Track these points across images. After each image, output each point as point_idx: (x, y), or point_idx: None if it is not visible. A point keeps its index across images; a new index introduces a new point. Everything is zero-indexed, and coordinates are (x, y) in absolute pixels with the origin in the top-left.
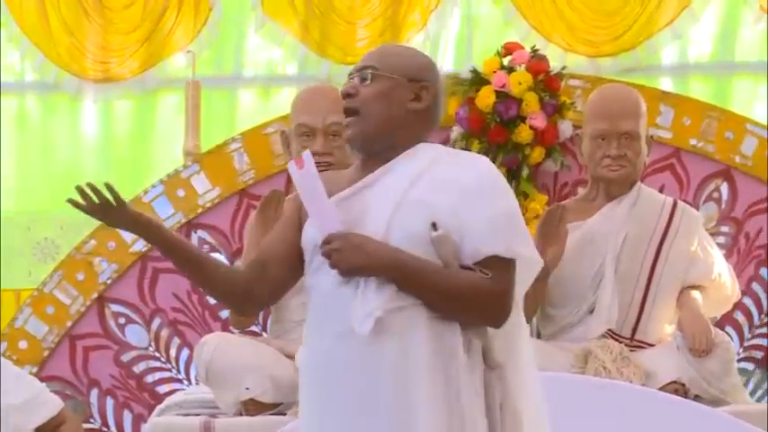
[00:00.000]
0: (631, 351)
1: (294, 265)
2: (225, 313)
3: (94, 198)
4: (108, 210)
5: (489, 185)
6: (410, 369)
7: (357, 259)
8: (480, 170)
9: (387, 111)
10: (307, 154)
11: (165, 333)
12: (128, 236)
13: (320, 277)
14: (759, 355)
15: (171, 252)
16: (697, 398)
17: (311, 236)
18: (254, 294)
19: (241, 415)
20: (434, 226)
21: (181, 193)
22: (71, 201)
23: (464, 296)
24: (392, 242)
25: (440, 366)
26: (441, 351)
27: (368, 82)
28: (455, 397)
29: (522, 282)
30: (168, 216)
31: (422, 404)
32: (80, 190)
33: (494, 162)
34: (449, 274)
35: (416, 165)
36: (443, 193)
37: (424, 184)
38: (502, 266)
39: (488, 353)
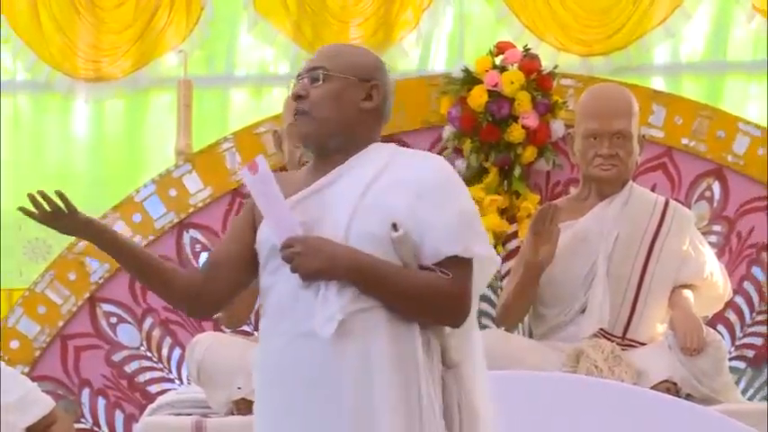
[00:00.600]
0: (623, 350)
1: (248, 266)
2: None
3: (45, 206)
4: (59, 217)
5: (446, 185)
6: (372, 371)
7: (319, 263)
8: (436, 170)
9: (338, 111)
10: (260, 158)
11: (156, 333)
12: None
13: (278, 278)
14: (751, 353)
15: (123, 258)
16: (689, 397)
17: (266, 237)
18: (206, 296)
19: (233, 414)
20: (395, 227)
21: (173, 192)
22: (22, 209)
23: (424, 297)
24: (351, 244)
25: (400, 367)
26: (401, 352)
27: (319, 82)
28: (415, 398)
29: (480, 280)
30: (160, 216)
31: (383, 406)
32: (31, 198)
33: (486, 161)
34: (409, 275)
35: (372, 166)
36: (401, 194)
37: (380, 185)
38: (460, 266)
39: (446, 352)
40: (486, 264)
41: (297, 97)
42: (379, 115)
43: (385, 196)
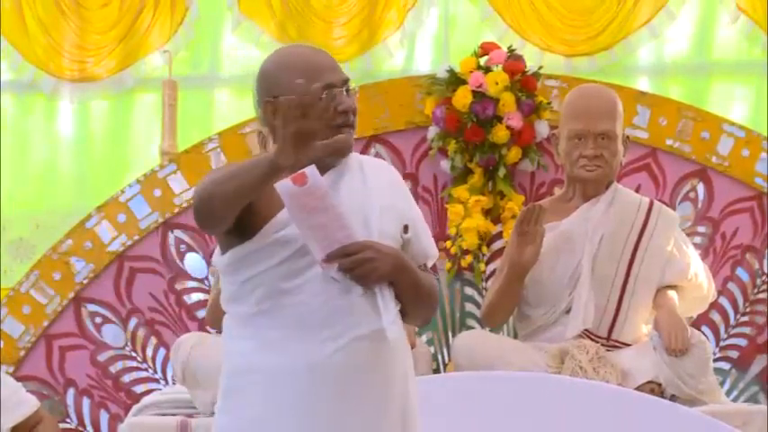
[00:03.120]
0: (608, 351)
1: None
2: (201, 313)
3: None
4: None
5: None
6: (408, 365)
7: (389, 267)
8: (396, 172)
9: None
10: (311, 169)
11: (141, 333)
12: (104, 236)
13: (303, 282)
14: (735, 354)
15: None
16: (673, 398)
17: (291, 238)
18: None
19: None
20: (406, 228)
21: (157, 192)
22: None
23: (432, 296)
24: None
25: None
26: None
27: (352, 95)
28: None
29: None
30: (145, 216)
31: (414, 399)
32: None
33: (471, 162)
34: (425, 276)
35: (363, 170)
36: (397, 196)
37: (381, 189)
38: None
39: None
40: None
41: (354, 111)
42: None
43: (391, 198)
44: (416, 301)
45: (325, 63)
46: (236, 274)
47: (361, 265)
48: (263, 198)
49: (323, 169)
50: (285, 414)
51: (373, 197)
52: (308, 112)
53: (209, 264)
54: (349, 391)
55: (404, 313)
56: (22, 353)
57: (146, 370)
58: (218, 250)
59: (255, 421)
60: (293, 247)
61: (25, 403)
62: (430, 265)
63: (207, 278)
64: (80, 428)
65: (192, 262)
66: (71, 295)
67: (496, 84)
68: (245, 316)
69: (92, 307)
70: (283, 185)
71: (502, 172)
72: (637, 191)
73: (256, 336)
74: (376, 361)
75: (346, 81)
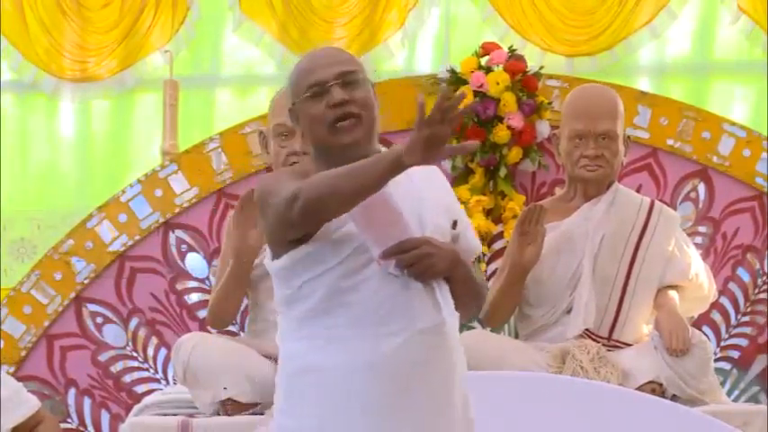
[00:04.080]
0: (609, 351)
1: None
2: (202, 313)
3: None
4: None
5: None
6: (463, 360)
7: (447, 262)
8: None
9: (375, 112)
10: None
11: (142, 333)
12: (105, 236)
13: (363, 278)
14: (736, 354)
15: None
16: (674, 398)
17: (352, 236)
18: None
19: (219, 415)
20: (455, 224)
21: (158, 192)
22: None
23: (482, 291)
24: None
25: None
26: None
27: (358, 86)
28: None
29: None
30: (146, 216)
31: (468, 394)
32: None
33: (471, 162)
34: (477, 272)
35: None
36: (442, 191)
37: (426, 183)
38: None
39: None
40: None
41: (344, 103)
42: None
43: (437, 193)
44: (469, 296)
45: (320, 62)
46: (294, 276)
47: (420, 261)
48: None
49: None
50: (346, 413)
51: (423, 193)
52: (444, 118)
53: (209, 264)
54: (410, 386)
55: (455, 308)
56: (23, 353)
57: (147, 370)
58: (269, 256)
59: (317, 422)
60: (353, 245)
61: (26, 403)
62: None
63: (208, 278)
64: (81, 428)
65: (193, 262)
66: (72, 295)
67: (497, 84)
68: (301, 317)
69: (93, 307)
70: None
71: (503, 172)
72: (638, 191)
73: (314, 336)
74: (435, 355)
75: (341, 75)
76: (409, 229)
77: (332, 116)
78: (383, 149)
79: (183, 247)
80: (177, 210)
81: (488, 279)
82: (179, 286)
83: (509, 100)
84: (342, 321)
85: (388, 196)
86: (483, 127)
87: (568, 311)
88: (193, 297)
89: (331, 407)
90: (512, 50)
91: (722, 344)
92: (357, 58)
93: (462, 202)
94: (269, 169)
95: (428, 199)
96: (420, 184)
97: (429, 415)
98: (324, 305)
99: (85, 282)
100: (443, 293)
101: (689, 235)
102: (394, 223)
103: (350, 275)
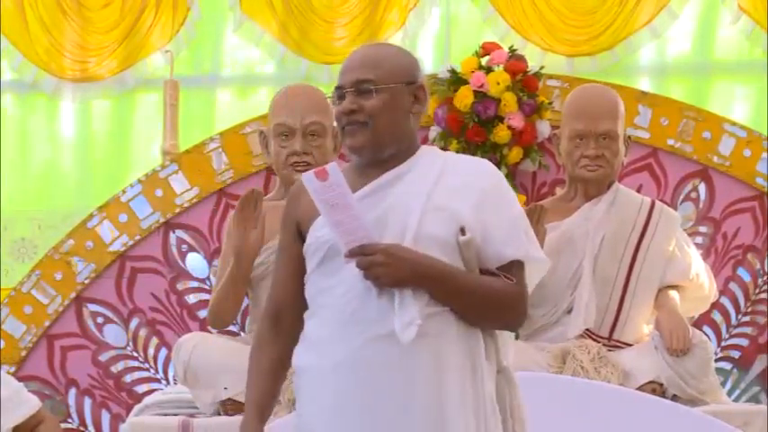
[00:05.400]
0: (609, 351)
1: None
2: (203, 313)
3: None
4: None
5: (502, 190)
6: (443, 370)
7: (403, 274)
8: (491, 174)
9: (394, 120)
10: (332, 166)
11: (143, 333)
12: (106, 236)
13: (337, 281)
14: (737, 354)
15: None
16: (675, 398)
17: (324, 238)
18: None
19: (219, 415)
20: (463, 231)
21: (159, 192)
22: None
23: (494, 302)
24: (419, 247)
25: (468, 367)
26: (468, 352)
27: (371, 95)
28: (482, 398)
29: (530, 283)
30: (146, 216)
31: (454, 404)
32: None
33: None
34: (481, 282)
35: (429, 170)
36: (463, 198)
37: (442, 189)
38: (520, 270)
39: (498, 356)
40: (540, 267)
41: (350, 112)
42: (423, 114)
43: (449, 200)
44: (470, 308)
45: (347, 64)
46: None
47: (372, 268)
48: (314, 206)
49: (389, 165)
50: (320, 413)
51: (422, 198)
52: None
53: (210, 264)
54: (370, 390)
55: (466, 319)
56: (24, 353)
57: (147, 370)
58: None
59: (302, 420)
60: (324, 248)
61: (26, 403)
62: (493, 266)
63: (208, 278)
64: (81, 428)
65: (194, 262)
66: (72, 295)
67: (498, 84)
68: (305, 318)
69: (93, 307)
70: (308, 178)
71: (503, 172)
72: (638, 191)
73: (304, 337)
74: (395, 361)
75: (356, 83)
76: (370, 233)
77: (343, 121)
78: (424, 149)
79: (184, 247)
80: (178, 210)
81: None
82: (179, 286)
83: (509, 100)
84: (319, 323)
85: (348, 197)
86: (483, 127)
87: (569, 311)
88: (194, 297)
89: (309, 407)
90: (512, 50)
91: (723, 344)
92: (396, 57)
93: None
94: (269, 169)
95: (424, 205)
96: (429, 189)
97: (388, 421)
98: (312, 306)
99: (86, 282)
100: (404, 302)
101: (689, 235)
102: (357, 226)
103: (328, 277)
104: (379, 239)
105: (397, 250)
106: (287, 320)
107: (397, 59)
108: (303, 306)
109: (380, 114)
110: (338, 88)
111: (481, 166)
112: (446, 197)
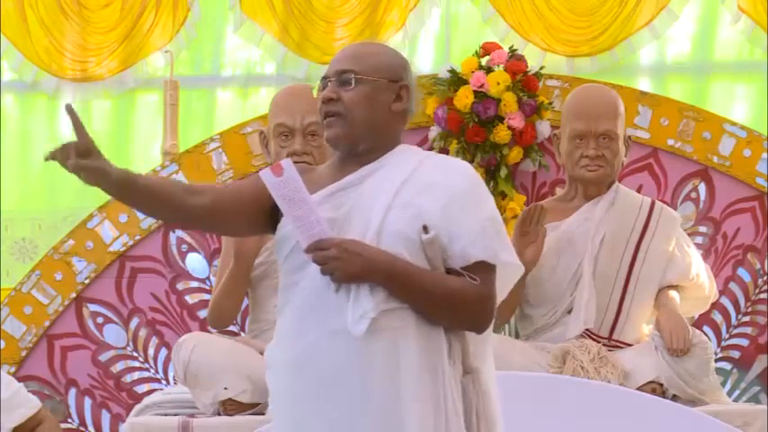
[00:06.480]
0: (609, 351)
1: (250, 214)
2: (203, 313)
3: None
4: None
5: (475, 191)
6: (400, 367)
7: (356, 269)
8: (465, 175)
9: (371, 114)
10: (286, 162)
11: (143, 333)
12: (106, 236)
13: (300, 276)
14: (737, 354)
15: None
16: (675, 398)
17: (288, 234)
18: (219, 219)
19: (219, 415)
20: (426, 229)
21: None
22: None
23: (454, 302)
24: (383, 242)
25: (427, 365)
26: (428, 351)
27: (350, 86)
28: (442, 397)
29: (503, 286)
30: (146, 216)
31: (411, 400)
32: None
33: (472, 162)
34: (440, 281)
35: (402, 167)
36: (432, 197)
37: (411, 187)
38: (487, 272)
39: (466, 357)
40: (511, 271)
41: (327, 100)
42: (407, 115)
43: (417, 198)
44: (428, 306)
45: (336, 56)
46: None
47: (326, 263)
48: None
49: (364, 161)
50: (279, 411)
51: (389, 195)
52: None
53: (210, 264)
54: (326, 383)
55: (425, 317)
56: (24, 353)
57: (147, 370)
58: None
59: (274, 415)
60: (289, 244)
61: (27, 404)
62: (458, 266)
63: (208, 278)
64: (81, 429)
65: (194, 262)
66: (72, 295)
67: (498, 84)
68: (276, 314)
69: (93, 307)
70: (265, 174)
71: (503, 172)
72: (638, 191)
73: (275, 332)
74: (351, 356)
75: (337, 73)
76: (325, 228)
77: (323, 111)
78: (401, 147)
79: (184, 247)
80: None
81: None
82: (179, 286)
83: (509, 100)
84: (286, 318)
85: (303, 193)
86: (483, 127)
87: (569, 311)
88: (194, 297)
89: (275, 402)
90: (512, 50)
91: (723, 344)
92: (383, 55)
93: None
94: None
95: (403, 204)
96: (397, 185)
97: (344, 414)
98: (281, 301)
99: (86, 282)
100: (358, 297)
101: (689, 235)
102: (314, 222)
103: (293, 272)
104: (336, 235)
105: (350, 245)
106: (198, 202)
107: (383, 57)
108: (216, 217)
109: (357, 106)
110: (323, 79)
111: (457, 167)
112: (414, 194)
